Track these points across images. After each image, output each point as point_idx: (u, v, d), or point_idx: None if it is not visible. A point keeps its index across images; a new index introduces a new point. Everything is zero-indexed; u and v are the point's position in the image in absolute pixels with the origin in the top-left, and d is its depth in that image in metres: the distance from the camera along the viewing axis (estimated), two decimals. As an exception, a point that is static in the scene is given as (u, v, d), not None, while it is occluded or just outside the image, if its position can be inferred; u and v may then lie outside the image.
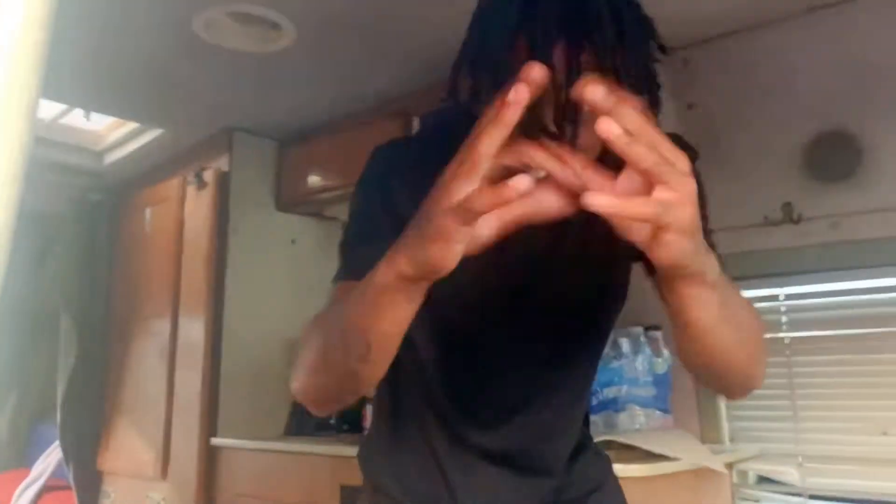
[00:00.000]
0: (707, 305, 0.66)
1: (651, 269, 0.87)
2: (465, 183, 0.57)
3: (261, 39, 2.22)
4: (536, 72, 0.55)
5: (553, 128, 0.72)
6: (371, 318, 0.71)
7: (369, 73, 2.48)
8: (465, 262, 0.72)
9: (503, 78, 0.64)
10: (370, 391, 0.94)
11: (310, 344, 0.84)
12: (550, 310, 0.97)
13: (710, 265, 0.63)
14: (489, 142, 0.56)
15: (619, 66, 0.73)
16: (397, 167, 0.94)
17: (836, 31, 2.04)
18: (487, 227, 0.60)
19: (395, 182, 0.92)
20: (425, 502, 1.00)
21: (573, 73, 0.71)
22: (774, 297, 2.16)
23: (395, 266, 0.65)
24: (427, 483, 1.00)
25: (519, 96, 0.54)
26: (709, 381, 0.86)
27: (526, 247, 0.88)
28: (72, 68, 2.32)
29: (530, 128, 0.62)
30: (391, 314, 0.70)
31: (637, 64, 0.76)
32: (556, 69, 0.69)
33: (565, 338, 1.01)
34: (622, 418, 1.95)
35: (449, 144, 0.79)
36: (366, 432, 1.21)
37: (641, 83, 0.76)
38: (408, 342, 0.83)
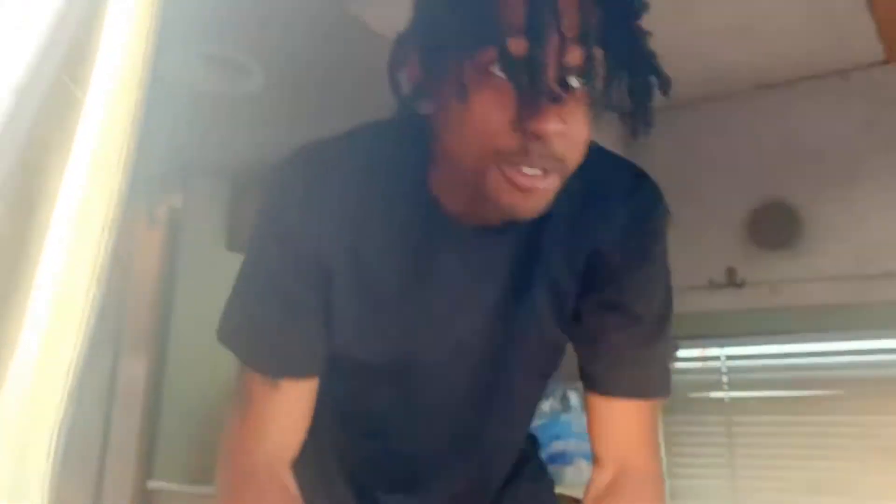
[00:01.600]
0: None
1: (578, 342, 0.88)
2: None
3: (228, 81, 2.23)
4: None
5: (556, 88, 0.63)
6: None
7: (332, 120, 2.51)
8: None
9: (467, 63, 0.57)
10: None
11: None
12: (480, 366, 0.85)
13: None
14: None
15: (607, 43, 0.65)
16: (324, 201, 0.73)
17: (779, 109, 2.18)
18: None
19: (323, 225, 0.72)
20: None
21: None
22: (715, 358, 2.24)
23: None
24: None
25: None
26: None
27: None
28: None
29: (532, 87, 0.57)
30: None
31: (622, 36, 0.66)
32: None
33: (493, 397, 0.88)
34: (569, 472, 1.98)
35: (396, 170, 0.72)
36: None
37: (628, 59, 0.67)
38: (326, 381, 0.79)
